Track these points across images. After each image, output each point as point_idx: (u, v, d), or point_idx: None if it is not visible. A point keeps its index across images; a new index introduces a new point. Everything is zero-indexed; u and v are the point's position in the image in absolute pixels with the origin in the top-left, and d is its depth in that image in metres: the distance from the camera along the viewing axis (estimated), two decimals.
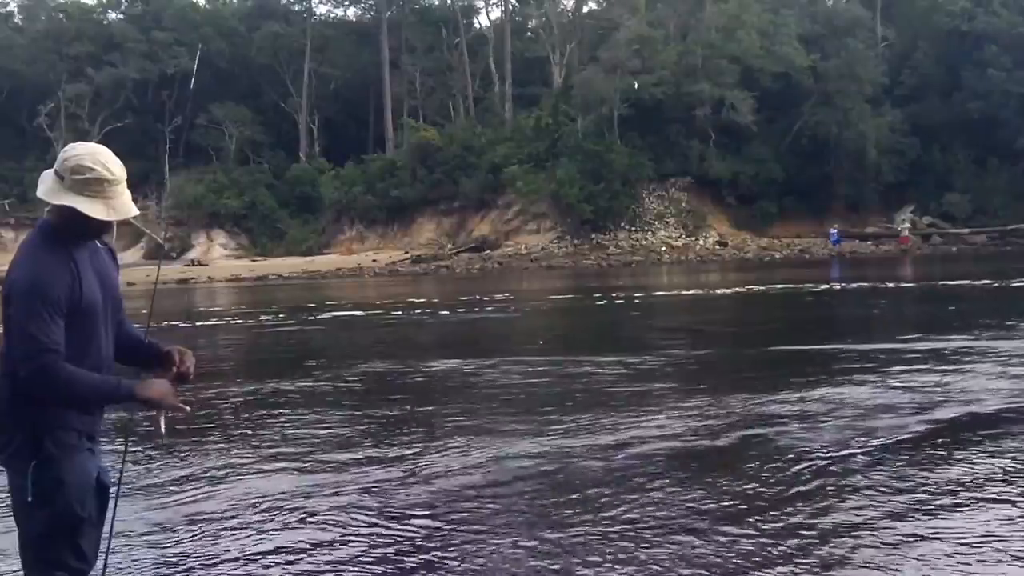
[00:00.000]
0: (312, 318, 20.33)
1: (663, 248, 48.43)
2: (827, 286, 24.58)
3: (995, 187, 50.92)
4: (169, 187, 62.83)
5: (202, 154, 64.06)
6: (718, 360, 11.94)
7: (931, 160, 52.19)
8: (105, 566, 3.23)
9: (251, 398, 9.94)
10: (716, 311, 20.18)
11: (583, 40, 59.72)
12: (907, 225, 49.29)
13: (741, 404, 8.35)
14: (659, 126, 51.00)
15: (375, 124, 65.65)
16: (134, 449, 7.25)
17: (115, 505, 3.26)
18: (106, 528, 3.25)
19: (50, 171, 3.13)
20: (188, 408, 3.20)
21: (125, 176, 3.14)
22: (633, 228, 50.56)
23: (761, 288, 24.17)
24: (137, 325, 3.47)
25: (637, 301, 22.39)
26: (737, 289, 24.43)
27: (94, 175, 3.05)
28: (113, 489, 3.30)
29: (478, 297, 24.54)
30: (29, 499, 3.01)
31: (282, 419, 8.54)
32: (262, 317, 20.85)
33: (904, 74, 54.14)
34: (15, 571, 3.54)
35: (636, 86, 49.39)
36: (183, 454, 7.18)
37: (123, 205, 3.11)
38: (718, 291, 24.66)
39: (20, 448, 3.03)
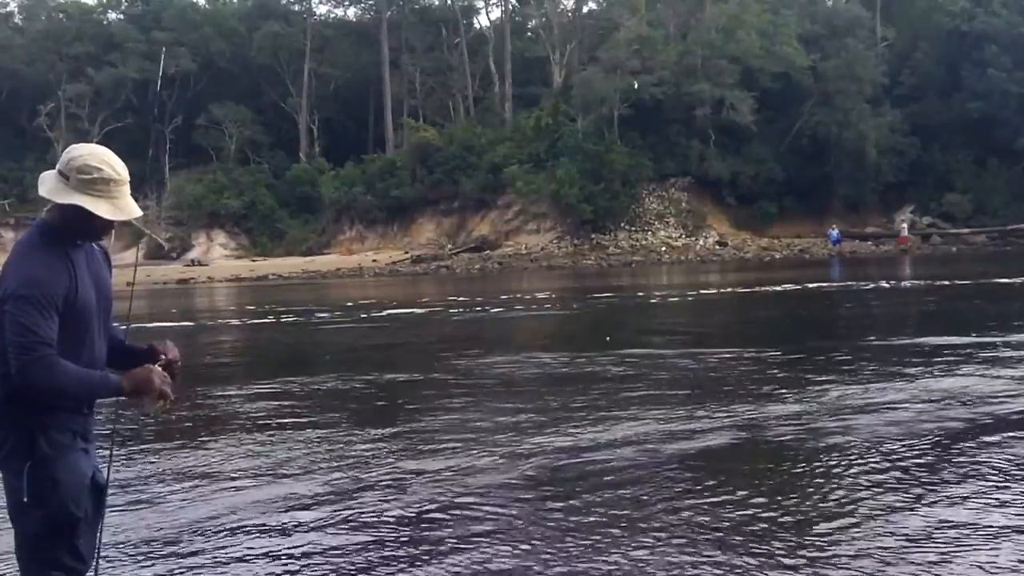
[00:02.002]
0: (365, 316, 20.36)
1: (663, 248, 48.41)
2: (877, 284, 24.37)
3: (995, 187, 50.89)
4: (169, 187, 62.83)
5: (202, 154, 64.04)
6: (824, 351, 11.95)
7: (931, 160, 52.17)
8: (97, 565, 3.21)
9: (414, 391, 10.36)
10: (785, 305, 20.27)
11: (583, 40, 59.68)
12: (905, 225, 49.24)
13: (866, 391, 8.83)
14: (659, 126, 50.99)
15: (375, 124, 65.60)
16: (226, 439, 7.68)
17: (104, 508, 3.26)
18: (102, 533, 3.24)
19: (51, 172, 3.13)
20: (172, 395, 3.17)
21: (128, 178, 3.15)
22: (633, 228, 50.55)
23: (816, 285, 24.33)
24: (131, 325, 3.46)
25: (691, 299, 22.51)
26: (789, 286, 24.33)
27: (101, 175, 3.06)
28: (119, 490, 3.30)
29: (519, 295, 24.70)
30: (24, 499, 3.01)
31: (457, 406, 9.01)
32: (318, 315, 20.82)
33: (904, 74, 54.11)
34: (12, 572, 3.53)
35: (636, 86, 49.35)
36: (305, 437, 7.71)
37: (128, 205, 3.12)
38: (773, 288, 24.34)
39: (15, 449, 3.03)
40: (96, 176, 3.05)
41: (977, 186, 50.91)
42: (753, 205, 51.59)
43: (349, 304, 24.02)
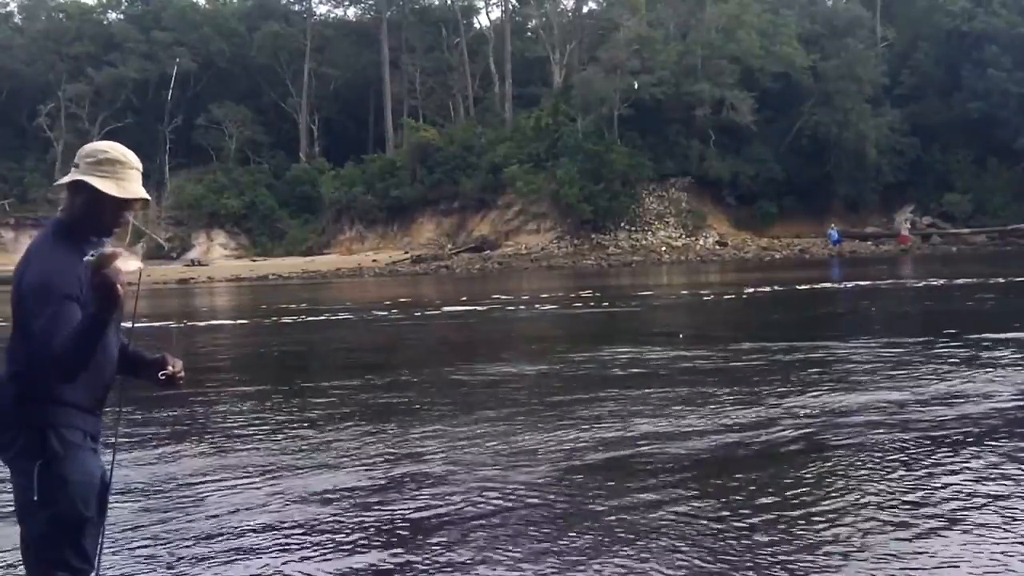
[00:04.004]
0: (419, 314, 20.29)
1: (663, 248, 48.43)
2: (925, 282, 24.28)
3: (995, 187, 50.93)
4: (169, 187, 62.85)
5: (202, 154, 64.06)
6: (913, 346, 11.97)
7: (931, 160, 52.21)
8: (99, 564, 3.21)
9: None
10: (849, 302, 20.17)
11: (583, 40, 59.67)
12: (908, 225, 49.24)
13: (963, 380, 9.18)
14: (659, 126, 51.00)
15: (375, 124, 65.62)
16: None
17: (106, 508, 3.27)
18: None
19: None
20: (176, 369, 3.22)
21: (139, 166, 3.20)
22: (633, 228, 50.57)
23: (868, 283, 24.36)
24: (125, 325, 3.45)
25: (747, 297, 22.37)
26: (835, 284, 24.22)
27: (107, 156, 3.12)
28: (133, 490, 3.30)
29: (561, 294, 24.65)
30: (34, 498, 3.01)
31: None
32: (375, 313, 20.75)
33: (904, 74, 54.14)
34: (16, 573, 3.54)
35: (636, 86, 49.36)
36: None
37: (133, 187, 3.14)
38: (824, 285, 24.17)
39: (25, 447, 3.03)
40: (102, 157, 3.11)
41: (977, 186, 50.94)
42: (753, 205, 51.61)
43: (388, 303, 23.81)
